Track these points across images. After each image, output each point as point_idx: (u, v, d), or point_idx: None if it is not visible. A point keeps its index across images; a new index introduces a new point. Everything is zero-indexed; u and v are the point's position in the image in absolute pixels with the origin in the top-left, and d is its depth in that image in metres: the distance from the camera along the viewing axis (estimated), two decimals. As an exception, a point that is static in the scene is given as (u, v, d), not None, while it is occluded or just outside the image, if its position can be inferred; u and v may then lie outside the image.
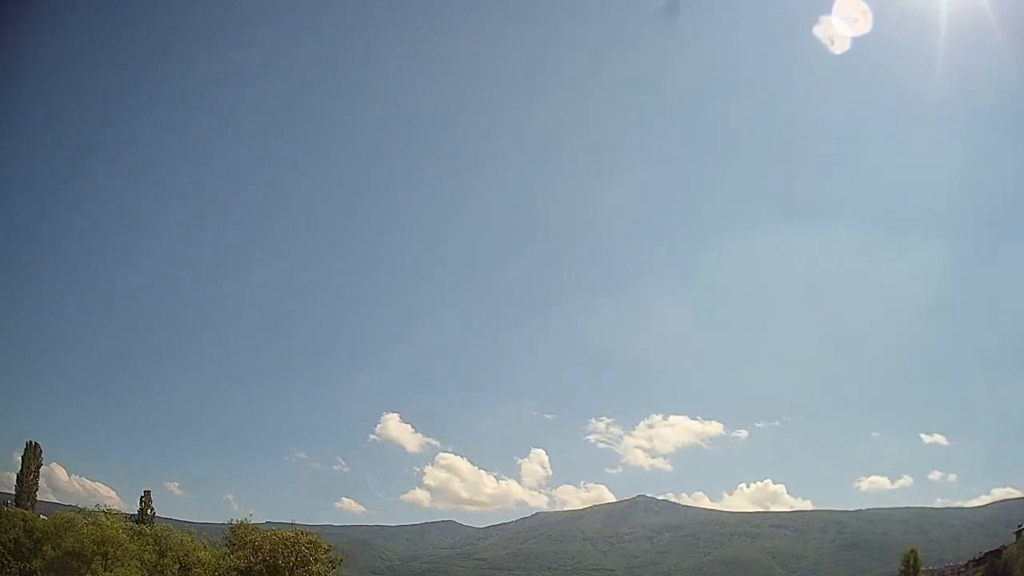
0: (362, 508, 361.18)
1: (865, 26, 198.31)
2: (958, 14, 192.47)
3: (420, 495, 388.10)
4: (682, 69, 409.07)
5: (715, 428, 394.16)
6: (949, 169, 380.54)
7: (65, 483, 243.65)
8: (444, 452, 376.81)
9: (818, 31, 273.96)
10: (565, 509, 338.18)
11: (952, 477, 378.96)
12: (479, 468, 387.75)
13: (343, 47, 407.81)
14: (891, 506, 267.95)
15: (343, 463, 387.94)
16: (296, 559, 37.29)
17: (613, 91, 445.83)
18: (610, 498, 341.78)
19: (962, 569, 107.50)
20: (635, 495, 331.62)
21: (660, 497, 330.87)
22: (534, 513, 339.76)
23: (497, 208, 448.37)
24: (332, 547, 41.02)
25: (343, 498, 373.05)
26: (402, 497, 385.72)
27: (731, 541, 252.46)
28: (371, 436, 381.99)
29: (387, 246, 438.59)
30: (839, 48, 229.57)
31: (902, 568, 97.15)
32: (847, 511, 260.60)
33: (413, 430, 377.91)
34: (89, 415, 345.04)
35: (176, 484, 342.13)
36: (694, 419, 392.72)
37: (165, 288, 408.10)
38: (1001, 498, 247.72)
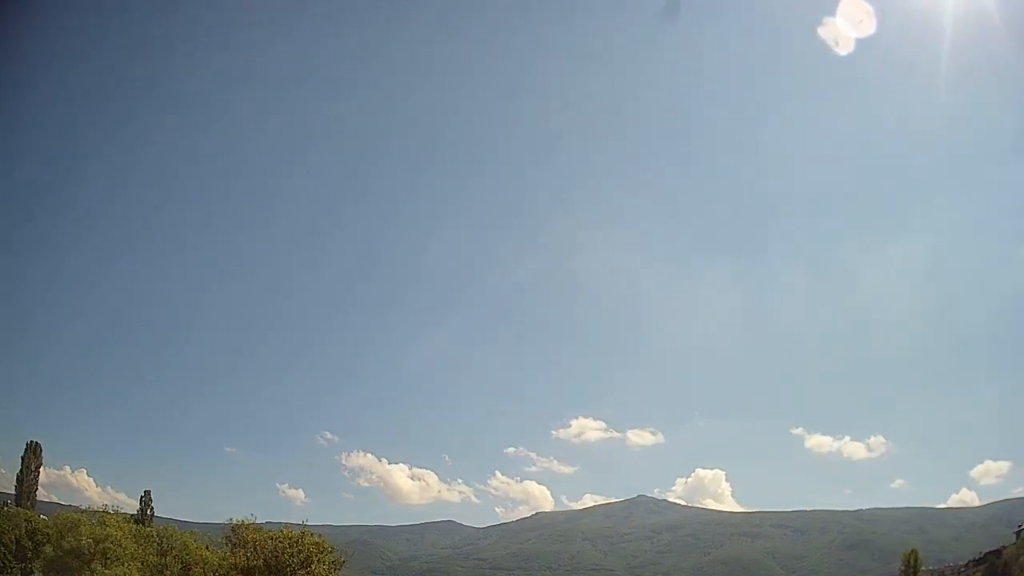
0: (300, 494, 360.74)
1: (869, 28, 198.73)
2: (963, 16, 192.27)
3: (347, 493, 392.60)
4: (680, 71, 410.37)
5: (633, 432, 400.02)
6: (947, 171, 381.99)
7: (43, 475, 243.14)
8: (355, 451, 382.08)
9: (822, 32, 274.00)
10: (563, 509, 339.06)
11: (900, 482, 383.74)
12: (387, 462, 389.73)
13: (333, 50, 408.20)
14: (891, 506, 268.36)
15: (285, 460, 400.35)
16: (299, 559, 37.18)
17: (610, 94, 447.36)
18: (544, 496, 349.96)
19: (962, 569, 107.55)
20: (635, 495, 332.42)
21: (660, 497, 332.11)
22: (534, 513, 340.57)
23: (476, 220, 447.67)
24: (335, 548, 40.95)
25: (278, 484, 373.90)
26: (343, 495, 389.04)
27: (731, 541, 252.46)
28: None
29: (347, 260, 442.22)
30: (843, 49, 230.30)
31: (902, 568, 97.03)
32: (847, 511, 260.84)
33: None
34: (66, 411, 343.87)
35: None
36: (597, 420, 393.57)
37: (155, 289, 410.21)
38: (998, 499, 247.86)
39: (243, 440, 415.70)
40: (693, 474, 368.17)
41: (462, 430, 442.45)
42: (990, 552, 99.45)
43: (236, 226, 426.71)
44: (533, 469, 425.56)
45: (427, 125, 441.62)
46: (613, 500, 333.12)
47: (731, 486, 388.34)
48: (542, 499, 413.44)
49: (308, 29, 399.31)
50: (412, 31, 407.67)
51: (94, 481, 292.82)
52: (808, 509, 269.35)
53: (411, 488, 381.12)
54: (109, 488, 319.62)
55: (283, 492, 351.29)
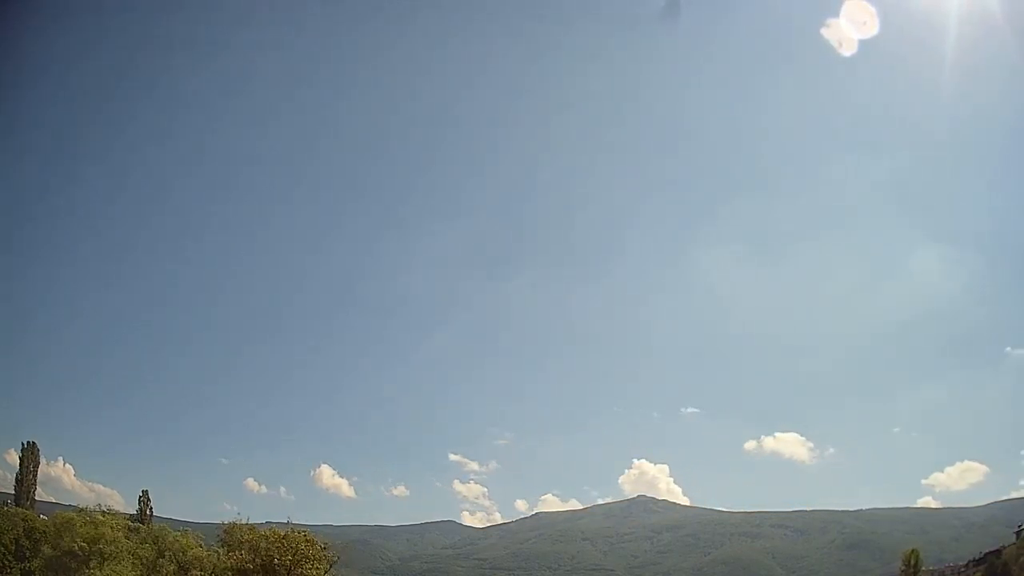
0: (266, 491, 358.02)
1: (872, 29, 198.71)
2: (967, 17, 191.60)
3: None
4: (682, 71, 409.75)
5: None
6: (951, 174, 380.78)
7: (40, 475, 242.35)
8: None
9: (825, 33, 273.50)
10: (565, 509, 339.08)
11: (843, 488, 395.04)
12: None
13: (331, 52, 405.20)
14: (891, 506, 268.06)
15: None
16: (293, 558, 37.13)
17: (611, 94, 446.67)
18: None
19: (962, 569, 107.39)
20: (635, 495, 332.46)
21: (659, 498, 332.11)
22: (534, 513, 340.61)
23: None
24: (328, 545, 40.88)
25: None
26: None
27: (731, 541, 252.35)
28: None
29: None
30: (847, 50, 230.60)
31: (902, 568, 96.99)
32: (847, 511, 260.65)
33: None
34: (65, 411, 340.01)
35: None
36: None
37: (156, 289, 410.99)
38: (1001, 498, 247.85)
39: (227, 442, 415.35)
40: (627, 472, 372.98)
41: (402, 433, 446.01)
42: (990, 552, 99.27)
43: (235, 230, 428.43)
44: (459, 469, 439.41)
45: (426, 126, 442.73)
46: (613, 500, 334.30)
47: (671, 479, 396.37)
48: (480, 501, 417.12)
49: (307, 31, 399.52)
50: (409, 31, 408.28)
51: (86, 480, 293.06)
52: (808, 509, 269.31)
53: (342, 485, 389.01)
54: (100, 487, 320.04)
55: (250, 489, 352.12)
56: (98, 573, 44.09)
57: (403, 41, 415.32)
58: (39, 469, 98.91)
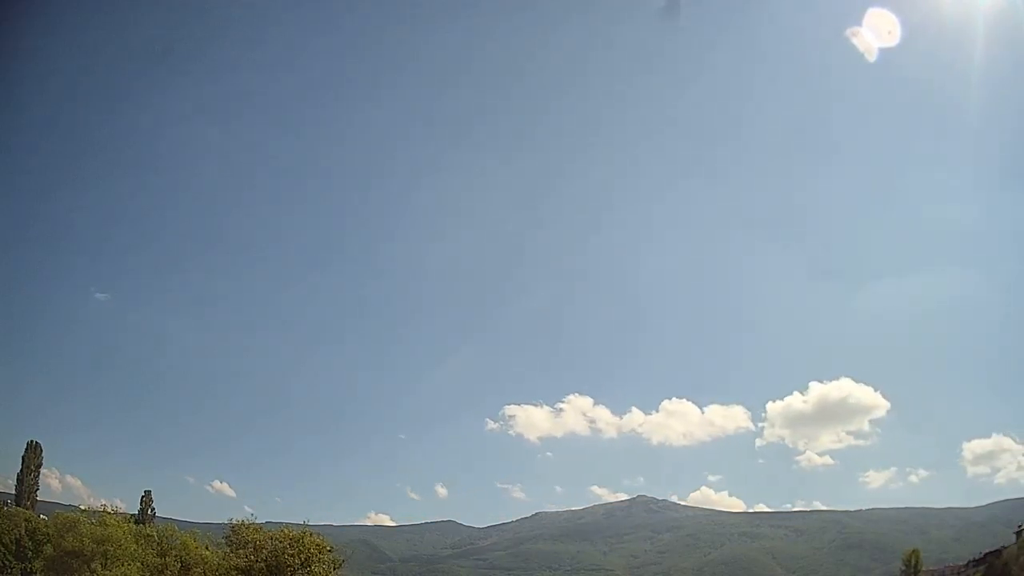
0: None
1: (894, 38, 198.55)
2: (994, 26, 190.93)
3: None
4: (696, 73, 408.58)
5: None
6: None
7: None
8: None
9: (848, 40, 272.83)
10: (565, 509, 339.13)
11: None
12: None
13: (329, 53, 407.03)
14: (891, 506, 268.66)
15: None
16: (299, 559, 37.20)
17: (629, 97, 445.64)
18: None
19: (962, 569, 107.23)
20: (635, 495, 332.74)
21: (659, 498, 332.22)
22: (534, 513, 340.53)
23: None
24: (335, 548, 41.02)
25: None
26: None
27: (731, 541, 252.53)
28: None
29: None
30: (869, 57, 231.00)
31: (903, 568, 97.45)
32: (847, 511, 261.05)
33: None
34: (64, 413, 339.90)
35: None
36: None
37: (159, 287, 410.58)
38: (1001, 498, 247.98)
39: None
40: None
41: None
42: (990, 552, 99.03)
43: (239, 234, 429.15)
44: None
45: (422, 125, 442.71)
46: (614, 500, 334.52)
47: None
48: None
49: (308, 30, 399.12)
50: (407, 28, 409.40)
51: (86, 483, 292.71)
52: (808, 509, 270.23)
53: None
54: (101, 489, 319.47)
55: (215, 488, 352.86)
56: (107, 573, 44.10)
57: (399, 39, 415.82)
58: (55, 476, 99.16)
